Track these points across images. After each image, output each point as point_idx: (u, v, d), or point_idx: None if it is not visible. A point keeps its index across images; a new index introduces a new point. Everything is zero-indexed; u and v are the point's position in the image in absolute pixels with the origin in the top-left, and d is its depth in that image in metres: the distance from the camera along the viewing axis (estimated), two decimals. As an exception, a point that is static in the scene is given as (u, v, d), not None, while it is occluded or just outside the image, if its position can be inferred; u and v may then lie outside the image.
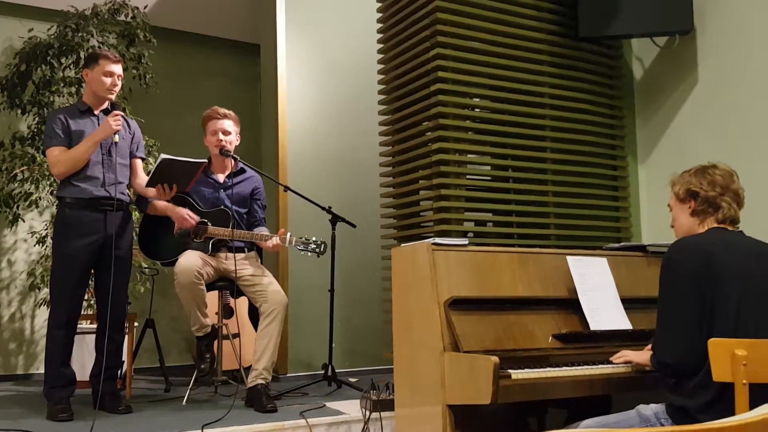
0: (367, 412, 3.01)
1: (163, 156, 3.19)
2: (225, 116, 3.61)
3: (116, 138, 3.22)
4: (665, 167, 3.75)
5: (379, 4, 3.89)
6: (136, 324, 3.93)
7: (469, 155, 3.52)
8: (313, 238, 3.50)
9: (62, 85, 4.78)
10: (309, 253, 3.49)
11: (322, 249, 3.49)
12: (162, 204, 3.46)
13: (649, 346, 2.18)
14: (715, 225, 2.12)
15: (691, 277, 1.97)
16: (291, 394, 3.66)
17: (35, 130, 4.76)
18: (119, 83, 3.35)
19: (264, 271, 3.53)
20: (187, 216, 3.41)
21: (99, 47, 4.71)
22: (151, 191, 3.33)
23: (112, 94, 3.33)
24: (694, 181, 2.15)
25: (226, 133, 3.60)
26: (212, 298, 3.63)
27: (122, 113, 3.26)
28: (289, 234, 3.49)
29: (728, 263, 1.97)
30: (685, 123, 3.67)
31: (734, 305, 1.93)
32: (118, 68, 3.33)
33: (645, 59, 3.95)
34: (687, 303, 1.97)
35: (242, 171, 3.71)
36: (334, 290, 3.92)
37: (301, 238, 3.48)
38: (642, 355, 2.29)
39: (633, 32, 3.67)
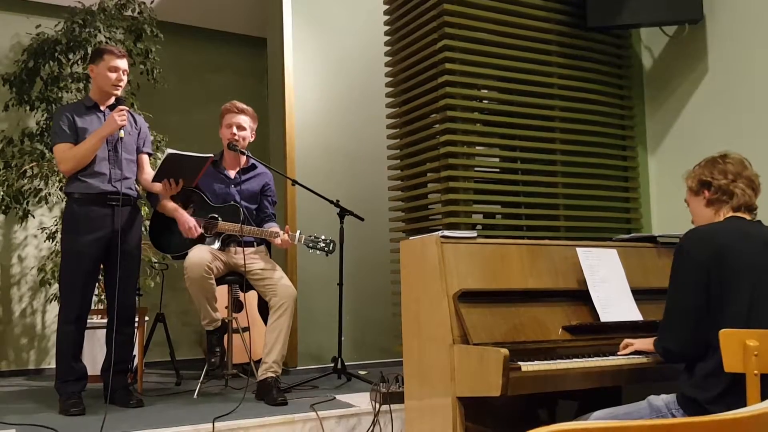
0: (377, 405, 3.01)
1: (169, 151, 3.20)
2: (242, 111, 3.62)
3: (122, 133, 3.22)
4: (675, 157, 3.73)
5: (386, -4, 3.88)
6: (146, 318, 3.95)
7: (477, 147, 3.51)
8: (322, 237, 3.49)
9: (70, 81, 4.79)
10: (318, 252, 3.49)
11: (330, 248, 3.49)
12: (171, 206, 3.47)
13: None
14: (732, 213, 2.11)
15: (700, 266, 1.97)
16: (301, 387, 3.66)
17: (44, 126, 4.78)
18: (125, 78, 3.34)
19: (273, 266, 3.54)
20: (192, 227, 3.41)
21: (107, 42, 4.72)
22: (158, 186, 3.34)
23: (118, 89, 3.32)
24: (705, 171, 2.16)
25: (240, 128, 3.60)
26: (222, 292, 3.64)
27: (128, 108, 3.25)
28: (298, 232, 3.49)
29: (742, 253, 1.96)
30: (695, 112, 3.64)
31: (747, 295, 1.93)
32: (123, 63, 3.32)
33: (654, 49, 3.92)
34: (693, 293, 1.98)
35: (253, 167, 3.71)
36: (342, 284, 3.92)
37: (310, 236, 3.49)
38: (646, 342, 2.30)
39: (642, 21, 3.64)
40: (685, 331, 1.99)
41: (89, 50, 4.72)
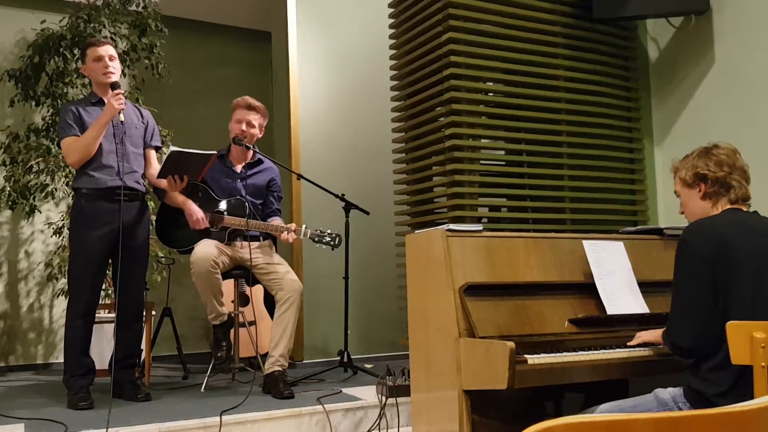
0: (383, 398, 3.02)
1: (173, 148, 3.22)
2: (253, 108, 3.63)
3: (121, 117, 3.22)
4: (682, 149, 3.67)
5: (390, -11, 3.86)
6: (153, 313, 3.96)
7: (482, 140, 3.50)
8: (328, 231, 3.50)
9: (75, 76, 4.80)
10: (324, 246, 3.50)
11: (336, 242, 3.50)
12: (180, 198, 3.48)
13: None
14: (729, 206, 2.09)
15: (705, 260, 1.95)
16: (307, 381, 3.67)
17: (49, 121, 4.79)
18: (113, 63, 3.34)
19: (279, 260, 3.55)
20: (200, 218, 3.43)
21: (111, 38, 4.73)
22: (163, 182, 3.36)
23: (110, 75, 3.31)
24: (700, 163, 2.12)
25: (250, 125, 3.61)
26: (228, 286, 3.65)
27: (123, 92, 3.25)
28: (304, 226, 3.50)
29: (744, 245, 1.95)
30: (701, 104, 3.62)
31: (750, 287, 1.92)
32: (105, 50, 3.33)
33: (660, 40, 3.90)
34: (700, 286, 1.96)
35: (259, 162, 3.72)
36: (348, 277, 3.92)
37: (316, 230, 3.49)
38: (654, 333, 2.29)
39: (648, 12, 3.62)
40: (694, 326, 1.96)
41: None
